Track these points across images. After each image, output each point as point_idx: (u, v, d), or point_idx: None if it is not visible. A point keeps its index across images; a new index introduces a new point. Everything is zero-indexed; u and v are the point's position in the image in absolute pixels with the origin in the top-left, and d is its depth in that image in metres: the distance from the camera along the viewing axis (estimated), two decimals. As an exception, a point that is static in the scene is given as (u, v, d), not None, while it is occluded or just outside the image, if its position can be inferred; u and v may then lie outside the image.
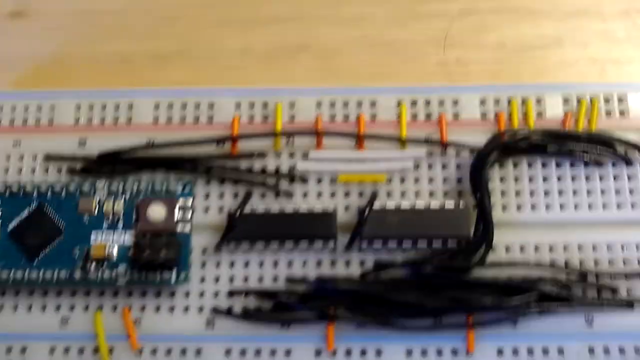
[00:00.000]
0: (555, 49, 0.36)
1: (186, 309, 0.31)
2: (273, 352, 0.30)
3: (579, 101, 0.33)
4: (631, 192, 0.32)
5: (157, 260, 0.30)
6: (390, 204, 0.31)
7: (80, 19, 0.36)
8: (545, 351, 0.30)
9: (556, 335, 0.30)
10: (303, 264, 0.31)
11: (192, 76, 0.35)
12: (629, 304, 0.30)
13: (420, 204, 0.31)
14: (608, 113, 0.33)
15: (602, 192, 0.32)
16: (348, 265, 0.31)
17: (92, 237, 0.31)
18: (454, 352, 0.30)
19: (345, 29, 0.36)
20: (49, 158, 0.33)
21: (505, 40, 0.35)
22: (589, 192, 0.32)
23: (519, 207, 0.32)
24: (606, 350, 0.30)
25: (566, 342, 0.30)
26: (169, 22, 0.36)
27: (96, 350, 0.30)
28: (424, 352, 0.30)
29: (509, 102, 0.33)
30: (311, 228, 0.31)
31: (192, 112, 0.33)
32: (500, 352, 0.30)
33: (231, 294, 0.31)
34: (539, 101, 0.33)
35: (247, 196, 0.31)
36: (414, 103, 0.33)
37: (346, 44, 0.36)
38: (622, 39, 0.36)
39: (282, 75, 0.35)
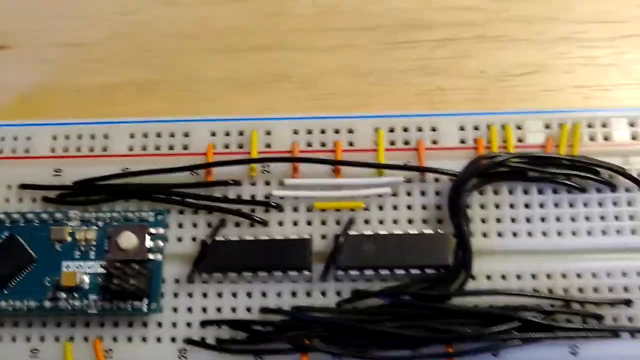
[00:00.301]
0: (538, 76, 0.35)
1: (159, 339, 0.30)
2: (246, 385, 0.29)
3: (560, 126, 0.32)
4: (616, 218, 0.31)
5: (127, 289, 0.29)
6: (367, 231, 0.31)
7: (63, 50, 0.36)
8: (529, 383, 0.29)
9: (540, 366, 0.29)
10: (278, 294, 0.31)
11: (171, 106, 0.35)
12: (615, 333, 0.29)
13: (398, 231, 0.31)
14: (591, 138, 0.32)
15: (587, 218, 0.31)
16: (324, 295, 0.31)
17: (64, 266, 0.30)
18: (434, 383, 0.29)
19: (326, 58, 0.36)
20: (23, 187, 0.32)
21: (486, 68, 0.35)
22: (572, 219, 0.31)
23: (500, 234, 0.31)
24: (593, 383, 0.29)
25: (550, 373, 0.29)
26: (150, 52, 0.36)
27: (65, 382, 0.30)
28: (402, 385, 0.29)
29: (489, 128, 0.32)
30: (286, 257, 0.30)
31: (166, 141, 0.33)
32: (481, 383, 0.29)
33: (204, 324, 0.30)
34: (519, 127, 0.32)
35: (220, 224, 0.31)
36: (391, 130, 0.33)
37: (326, 73, 0.35)
38: (606, 65, 0.35)
39: (262, 105, 0.35)
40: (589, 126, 0.32)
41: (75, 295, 0.30)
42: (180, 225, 0.32)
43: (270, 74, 0.36)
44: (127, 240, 0.30)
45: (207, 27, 0.36)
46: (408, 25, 0.34)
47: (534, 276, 0.30)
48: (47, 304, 0.30)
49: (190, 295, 0.31)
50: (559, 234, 0.31)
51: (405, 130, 0.33)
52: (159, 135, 0.33)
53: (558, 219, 0.31)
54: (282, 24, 0.35)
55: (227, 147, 0.33)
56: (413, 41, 0.35)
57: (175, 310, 0.31)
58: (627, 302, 0.30)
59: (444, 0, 0.35)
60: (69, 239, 0.31)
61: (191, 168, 0.32)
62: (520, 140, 0.32)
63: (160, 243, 0.31)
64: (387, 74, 0.35)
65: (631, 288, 0.30)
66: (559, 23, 0.34)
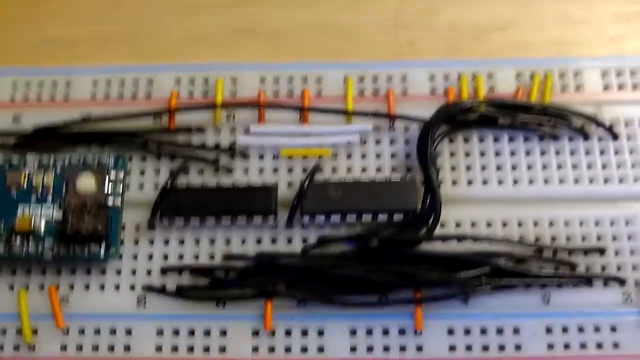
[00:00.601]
0: (510, 31, 0.35)
1: (117, 287, 0.29)
2: (207, 332, 0.28)
3: (532, 76, 0.32)
4: (589, 166, 0.30)
5: (83, 231, 0.28)
6: (334, 178, 0.30)
7: (25, 2, 0.35)
8: (500, 330, 0.28)
9: (511, 314, 0.28)
10: (242, 241, 0.30)
11: (134, 59, 0.34)
12: (587, 281, 0.29)
13: (366, 177, 0.30)
14: (563, 88, 0.32)
15: (559, 166, 0.31)
16: (290, 242, 0.30)
17: (19, 210, 0.29)
18: (402, 331, 0.28)
19: (295, 14, 0.35)
20: (-21, 134, 0.31)
21: (458, 22, 0.34)
22: (544, 167, 0.31)
23: (469, 182, 0.30)
24: (565, 329, 0.28)
25: (522, 320, 0.28)
26: (114, 6, 0.35)
27: (19, 331, 0.28)
28: (369, 332, 0.28)
29: (459, 77, 0.32)
30: (250, 203, 0.29)
31: (130, 88, 0.32)
32: (451, 331, 0.28)
33: (164, 271, 0.29)
34: (490, 76, 0.32)
35: (182, 168, 0.30)
36: (361, 79, 0.32)
37: (295, 29, 0.35)
38: (581, 22, 0.35)
39: (228, 59, 0.34)
40: (561, 76, 0.32)
41: (30, 239, 0.29)
42: (142, 173, 0.31)
43: (237, 29, 0.35)
44: (86, 183, 0.29)
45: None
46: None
47: (504, 224, 0.30)
48: (1, 249, 0.29)
49: (151, 242, 0.30)
50: (531, 182, 0.30)
51: (375, 80, 0.32)
52: (122, 83, 0.32)
53: (529, 167, 0.30)
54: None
55: (191, 94, 0.32)
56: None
57: (135, 257, 0.30)
58: (601, 251, 0.29)
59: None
60: (24, 183, 0.30)
61: (154, 114, 0.31)
62: (491, 90, 0.32)
63: (119, 187, 0.30)
64: (357, 29, 0.35)
65: (604, 237, 0.29)
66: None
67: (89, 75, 0.32)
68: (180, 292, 0.29)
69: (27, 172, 0.30)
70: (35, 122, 0.31)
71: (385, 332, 0.28)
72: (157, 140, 0.31)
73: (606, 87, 0.32)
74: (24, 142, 0.31)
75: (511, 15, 0.35)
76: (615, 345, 0.28)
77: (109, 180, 0.30)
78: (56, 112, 0.31)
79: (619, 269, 0.29)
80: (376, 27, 0.35)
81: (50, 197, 0.29)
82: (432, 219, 0.29)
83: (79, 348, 0.28)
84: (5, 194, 0.29)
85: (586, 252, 0.29)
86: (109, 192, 0.29)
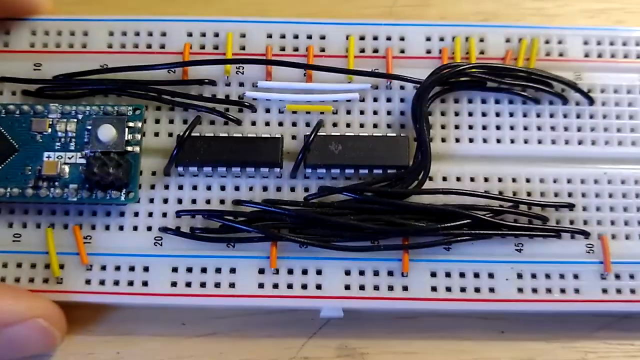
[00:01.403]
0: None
1: (135, 228, 0.32)
2: (218, 270, 0.32)
3: (520, 41, 0.34)
4: (566, 128, 0.33)
5: (107, 179, 0.31)
6: (335, 133, 0.33)
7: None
8: (476, 275, 0.32)
9: (487, 261, 0.32)
10: (250, 188, 0.33)
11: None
12: (557, 233, 0.32)
13: (363, 133, 0.33)
14: (547, 54, 0.34)
15: (538, 128, 0.33)
16: (293, 190, 0.33)
17: (45, 156, 0.32)
18: (390, 272, 0.32)
19: (294, 4, 0.37)
20: (3, 80, 0.33)
21: (446, 15, 0.37)
22: (525, 128, 0.33)
23: (457, 140, 0.33)
24: (533, 275, 0.32)
25: (496, 266, 0.32)
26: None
27: (47, 265, 0.32)
28: (361, 272, 0.32)
29: (453, 39, 0.34)
30: (258, 153, 0.32)
31: (144, 40, 0.34)
32: (433, 274, 0.32)
33: (179, 214, 0.32)
34: (482, 40, 0.34)
35: (196, 120, 0.32)
36: (362, 38, 0.34)
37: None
38: (556, 16, 0.37)
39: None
40: (547, 42, 0.34)
41: (56, 184, 0.31)
42: (157, 121, 0.33)
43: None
44: (107, 132, 0.31)
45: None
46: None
47: (486, 179, 0.33)
48: (29, 191, 0.31)
49: (166, 187, 0.33)
50: (512, 141, 0.33)
51: (375, 38, 0.34)
52: (137, 33, 0.34)
53: (512, 127, 0.33)
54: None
55: (202, 47, 0.34)
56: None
57: (151, 201, 0.32)
58: (570, 206, 0.33)
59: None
60: (49, 130, 0.32)
61: (169, 66, 0.33)
62: (482, 53, 0.34)
63: (138, 136, 0.32)
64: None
65: (575, 193, 0.33)
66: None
67: (104, 25, 0.34)
68: (194, 234, 0.32)
69: (51, 120, 0.32)
70: (54, 69, 0.33)
71: (376, 273, 0.32)
72: (171, 92, 0.33)
73: (586, 55, 0.34)
74: (44, 90, 0.33)
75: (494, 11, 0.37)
76: (577, 291, 0.32)
77: (129, 129, 0.32)
78: (74, 61, 0.33)
79: (585, 223, 0.32)
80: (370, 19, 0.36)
81: (72, 144, 0.32)
82: (421, 174, 0.32)
83: (102, 282, 0.31)
84: (31, 139, 0.32)
85: (557, 207, 0.33)
86: (129, 141, 0.32)
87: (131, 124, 0.32)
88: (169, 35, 0.34)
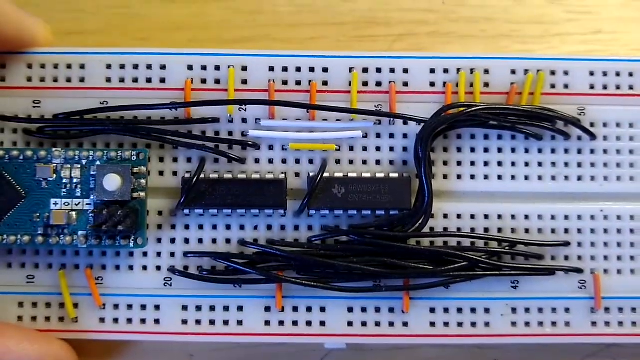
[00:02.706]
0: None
1: (144, 268, 0.33)
2: (226, 308, 0.33)
3: (525, 73, 0.34)
4: (566, 164, 0.34)
5: (115, 232, 0.31)
6: (338, 174, 0.33)
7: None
8: (473, 310, 0.33)
9: (484, 298, 0.33)
10: (255, 227, 0.33)
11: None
12: (550, 271, 0.33)
13: (367, 172, 0.33)
14: (553, 86, 0.34)
15: (539, 164, 0.34)
16: (297, 229, 0.33)
17: (52, 202, 0.32)
18: (391, 309, 0.33)
19: (299, 47, 0.36)
20: (3, 119, 0.33)
21: None
22: (526, 164, 0.34)
23: (459, 177, 0.34)
24: (527, 310, 0.33)
25: (492, 303, 0.33)
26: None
27: (62, 304, 0.33)
28: (363, 310, 0.33)
29: (458, 72, 0.34)
30: (263, 196, 0.33)
31: (143, 74, 0.33)
32: (432, 310, 0.33)
33: (186, 255, 0.33)
34: (486, 71, 0.34)
35: (202, 164, 0.33)
36: (365, 70, 0.34)
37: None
38: None
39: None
40: (552, 73, 0.34)
41: (65, 231, 0.32)
42: (161, 159, 0.33)
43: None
44: (112, 182, 0.32)
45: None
46: (370, 22, 0.37)
47: (486, 216, 0.34)
48: (40, 239, 0.32)
49: (173, 227, 0.33)
50: (513, 177, 0.34)
51: (379, 71, 0.34)
52: (135, 67, 0.33)
53: (513, 164, 0.34)
54: (261, 20, 0.37)
55: (204, 82, 0.33)
56: (375, 35, 0.37)
57: (159, 241, 0.33)
58: (566, 244, 0.34)
59: (402, 2, 0.38)
60: (54, 176, 0.32)
61: (171, 106, 0.33)
62: (486, 85, 0.34)
63: (143, 182, 0.32)
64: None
65: (571, 230, 0.34)
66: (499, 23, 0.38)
67: (102, 58, 0.33)
68: (201, 276, 0.33)
69: (55, 166, 0.32)
70: (54, 107, 0.33)
71: (377, 310, 0.33)
72: (174, 132, 0.33)
73: (592, 87, 0.34)
74: (45, 127, 0.33)
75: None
76: (567, 324, 0.33)
77: (134, 175, 0.32)
78: (72, 96, 0.33)
79: (579, 258, 0.34)
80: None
81: (79, 191, 0.32)
82: (422, 218, 0.33)
83: (115, 321, 0.33)
84: (37, 185, 0.32)
85: (553, 245, 0.34)
86: (135, 188, 0.32)
87: (136, 170, 0.32)
88: (168, 69, 0.33)
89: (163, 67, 0.33)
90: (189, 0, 0.37)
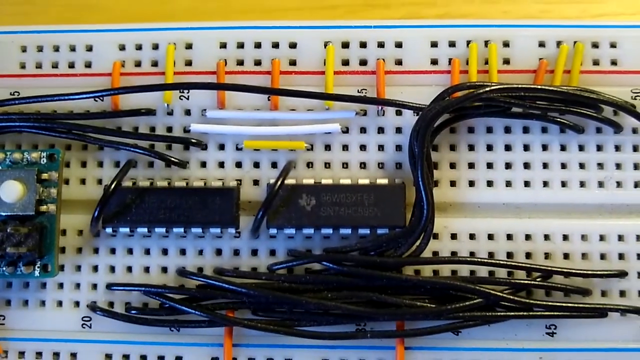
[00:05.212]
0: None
1: (59, 303, 0.26)
2: (161, 359, 0.25)
3: (558, 46, 0.26)
4: (618, 166, 0.25)
5: (13, 256, 0.24)
6: (308, 180, 0.25)
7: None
8: (495, 367, 0.25)
9: (508, 348, 0.25)
10: (199, 252, 0.26)
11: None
12: (601, 312, 0.25)
13: (346, 178, 0.25)
14: (595, 62, 0.26)
15: (581, 165, 0.26)
16: (255, 254, 0.26)
17: None
18: (381, 363, 0.25)
19: None
20: None
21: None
22: (563, 166, 0.26)
23: (471, 184, 0.26)
24: (571, 367, 0.25)
25: (520, 355, 0.25)
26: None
27: (-50, 353, 0.26)
28: (343, 363, 0.25)
29: (468, 45, 0.26)
30: (207, 210, 0.25)
31: (66, 57, 0.27)
32: (437, 365, 0.25)
33: (110, 286, 0.26)
34: (506, 44, 0.26)
35: (126, 167, 0.25)
36: (345, 45, 0.26)
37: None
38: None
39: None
40: (594, 46, 0.26)
41: (-46, 257, 0.25)
42: (83, 164, 0.26)
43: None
44: (11, 191, 0.25)
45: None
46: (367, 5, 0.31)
47: (509, 237, 0.25)
48: None
49: (95, 250, 0.26)
50: (545, 184, 0.26)
51: (363, 45, 0.26)
52: (56, 48, 0.27)
53: (545, 166, 0.26)
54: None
55: (138, 64, 0.27)
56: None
57: (78, 268, 0.26)
58: (622, 274, 0.25)
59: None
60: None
61: (95, 94, 0.26)
62: (506, 62, 0.26)
63: (54, 191, 0.25)
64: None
65: (628, 256, 0.25)
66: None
67: (16, 38, 0.27)
68: (129, 316, 0.25)
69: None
70: (-46, 98, 0.27)
71: (362, 364, 0.25)
72: (99, 129, 0.26)
73: (649, 61, 0.26)
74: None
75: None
76: (629, 389, 0.24)
77: (41, 183, 0.25)
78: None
79: (640, 294, 0.25)
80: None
81: (-28, 203, 0.25)
82: (422, 236, 0.24)
83: (20, 374, 0.26)
84: None
85: (603, 276, 0.25)
86: (42, 199, 0.25)
87: (45, 176, 0.25)
88: (96, 50, 0.27)
89: (89, 49, 0.27)
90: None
